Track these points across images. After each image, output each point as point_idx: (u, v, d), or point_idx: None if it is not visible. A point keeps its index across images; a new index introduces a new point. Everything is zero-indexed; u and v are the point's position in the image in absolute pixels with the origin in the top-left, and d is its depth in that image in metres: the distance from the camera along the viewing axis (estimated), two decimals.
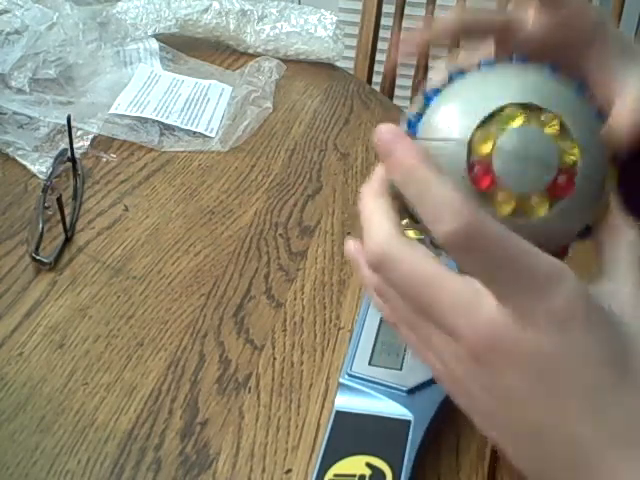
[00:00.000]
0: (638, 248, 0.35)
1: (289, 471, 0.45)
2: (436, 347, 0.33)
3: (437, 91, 0.37)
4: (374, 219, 0.34)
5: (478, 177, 0.34)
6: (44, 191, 0.64)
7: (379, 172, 0.36)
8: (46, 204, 0.63)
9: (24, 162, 0.70)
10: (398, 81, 1.29)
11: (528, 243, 0.30)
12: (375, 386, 0.45)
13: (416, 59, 1.26)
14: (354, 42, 1.24)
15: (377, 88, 1.13)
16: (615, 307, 0.33)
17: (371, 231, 0.33)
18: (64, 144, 0.71)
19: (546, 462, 0.33)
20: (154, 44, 0.91)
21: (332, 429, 0.44)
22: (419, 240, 0.33)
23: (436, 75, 0.37)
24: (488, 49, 0.42)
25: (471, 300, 0.31)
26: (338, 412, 0.45)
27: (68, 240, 0.61)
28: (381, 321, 0.49)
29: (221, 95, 0.84)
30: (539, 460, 0.33)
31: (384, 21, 1.25)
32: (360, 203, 0.35)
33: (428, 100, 0.37)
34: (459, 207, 0.29)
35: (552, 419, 0.32)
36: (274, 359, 0.52)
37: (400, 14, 1.25)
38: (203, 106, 0.81)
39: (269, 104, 0.83)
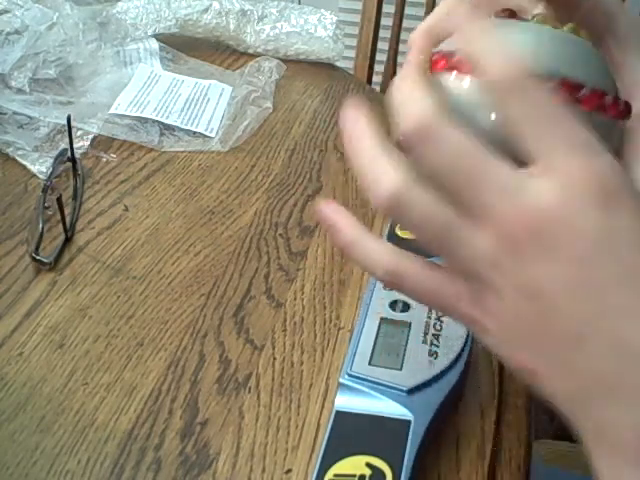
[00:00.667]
0: None
1: (289, 471, 0.45)
2: (462, 241, 0.31)
3: None
4: (416, 94, 0.31)
5: None
6: (44, 191, 0.64)
7: (412, 63, 0.34)
8: (46, 204, 0.63)
9: (24, 162, 0.70)
10: None
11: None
12: (375, 386, 0.45)
13: None
14: (354, 42, 1.24)
15: (377, 88, 1.13)
16: None
17: (414, 104, 0.31)
18: (64, 144, 0.71)
19: (586, 377, 0.30)
20: (154, 44, 0.91)
21: (332, 429, 0.44)
22: None
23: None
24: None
25: (518, 183, 0.29)
26: (338, 412, 0.45)
27: (68, 240, 0.61)
28: (381, 321, 0.49)
29: (221, 95, 0.84)
30: (578, 375, 0.30)
31: (384, 21, 1.25)
32: (395, 87, 0.33)
33: None
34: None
35: (597, 318, 0.29)
36: (274, 359, 0.52)
37: (400, 14, 1.25)
38: (203, 106, 0.81)
39: (269, 104, 0.83)
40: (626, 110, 0.33)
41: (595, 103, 0.31)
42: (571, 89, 0.31)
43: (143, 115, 0.78)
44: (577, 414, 0.30)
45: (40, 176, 0.69)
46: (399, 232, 0.54)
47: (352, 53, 1.24)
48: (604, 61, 0.34)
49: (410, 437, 0.43)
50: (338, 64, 0.96)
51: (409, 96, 0.31)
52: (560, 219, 0.28)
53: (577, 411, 0.30)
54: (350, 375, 0.46)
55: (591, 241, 0.28)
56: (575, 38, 0.34)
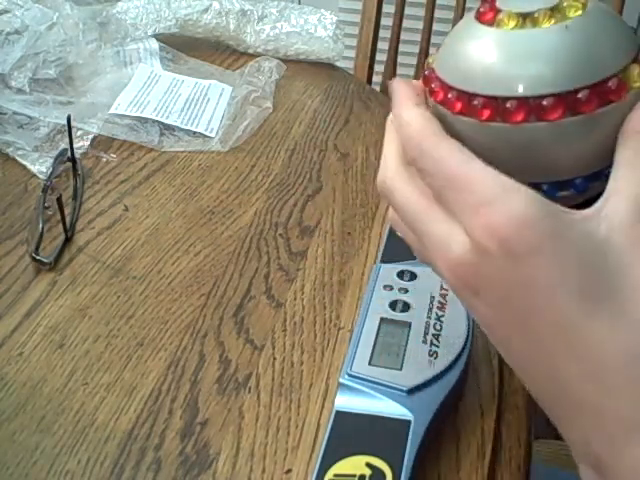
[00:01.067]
0: None
1: (289, 471, 0.45)
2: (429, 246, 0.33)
3: None
4: (385, 150, 0.36)
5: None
6: (44, 191, 0.64)
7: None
8: (46, 204, 0.63)
9: (24, 162, 0.70)
10: None
11: (480, 161, 0.31)
12: (375, 386, 0.45)
13: (416, 58, 1.26)
14: (354, 42, 1.24)
15: (377, 88, 1.13)
16: (607, 225, 0.30)
17: (382, 161, 0.36)
18: (64, 144, 0.71)
19: (537, 394, 0.32)
20: (154, 44, 0.91)
21: (332, 429, 0.44)
22: None
23: None
24: None
25: (447, 238, 0.32)
26: (338, 412, 0.45)
27: (68, 240, 0.61)
28: (381, 321, 0.49)
29: (221, 95, 0.84)
30: (532, 389, 0.33)
31: (384, 21, 1.25)
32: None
33: None
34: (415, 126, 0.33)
35: (530, 353, 0.31)
36: (274, 359, 0.52)
37: (400, 14, 1.25)
38: (203, 106, 0.81)
39: (269, 104, 0.83)
40: (603, 98, 0.31)
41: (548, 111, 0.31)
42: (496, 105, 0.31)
43: (143, 115, 0.78)
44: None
45: (40, 176, 0.69)
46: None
47: (352, 53, 1.24)
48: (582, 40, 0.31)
49: (410, 437, 0.43)
50: (338, 64, 0.96)
51: (383, 151, 0.36)
52: (475, 271, 0.31)
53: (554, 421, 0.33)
54: (350, 375, 0.46)
55: (508, 287, 0.30)
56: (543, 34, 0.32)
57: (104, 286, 0.57)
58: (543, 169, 0.32)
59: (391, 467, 0.42)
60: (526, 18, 0.32)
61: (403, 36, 1.26)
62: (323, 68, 0.94)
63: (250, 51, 0.95)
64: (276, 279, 0.59)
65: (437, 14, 1.24)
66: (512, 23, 0.32)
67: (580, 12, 0.32)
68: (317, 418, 0.48)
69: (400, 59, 1.27)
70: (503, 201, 0.29)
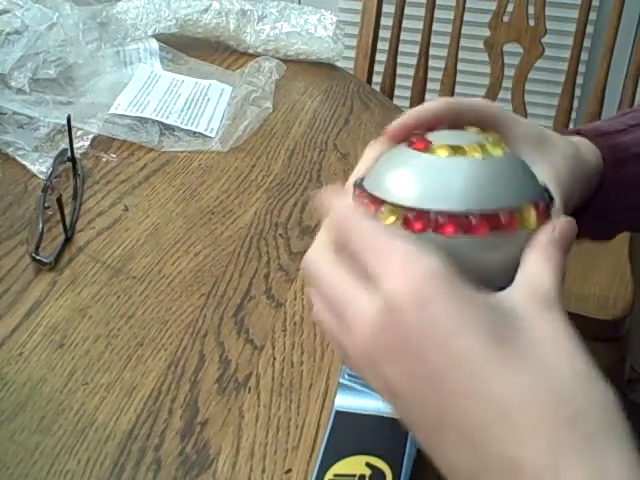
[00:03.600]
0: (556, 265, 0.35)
1: (289, 471, 0.45)
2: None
3: None
4: (317, 236, 0.39)
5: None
6: (44, 191, 0.64)
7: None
8: (46, 204, 0.63)
9: (24, 162, 0.71)
10: (398, 81, 1.29)
11: (394, 230, 0.35)
12: None
13: (413, 71, 1.26)
14: (354, 42, 1.24)
15: (377, 88, 1.13)
16: (509, 300, 0.33)
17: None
18: (64, 144, 0.71)
19: (450, 466, 0.33)
20: (154, 44, 0.91)
21: (332, 429, 0.44)
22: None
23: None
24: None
25: (358, 312, 0.34)
26: (338, 412, 0.45)
27: (68, 240, 0.61)
28: None
29: (221, 95, 0.84)
30: (444, 464, 0.33)
31: (384, 21, 1.25)
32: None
33: None
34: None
35: (444, 406, 0.32)
36: (274, 359, 0.52)
37: (400, 14, 1.25)
38: (203, 106, 0.81)
39: (269, 104, 0.83)
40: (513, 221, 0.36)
41: (457, 228, 0.35)
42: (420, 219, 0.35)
43: (143, 115, 0.78)
44: None
45: (40, 176, 0.69)
46: None
47: (352, 53, 1.24)
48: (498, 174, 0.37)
49: (410, 437, 0.43)
50: (338, 64, 0.96)
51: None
52: (389, 332, 0.32)
53: None
54: (350, 375, 0.46)
55: (418, 338, 0.32)
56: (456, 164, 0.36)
57: (104, 286, 0.57)
58: (467, 276, 0.34)
59: (391, 467, 0.42)
60: (456, 150, 0.37)
61: (403, 36, 1.26)
62: (323, 68, 0.94)
63: (250, 51, 0.95)
64: (276, 279, 0.59)
65: (437, 14, 1.24)
66: (443, 152, 0.37)
67: (500, 153, 0.37)
68: (317, 418, 0.48)
69: (400, 59, 1.27)
70: (417, 261, 0.32)
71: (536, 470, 0.29)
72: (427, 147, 0.37)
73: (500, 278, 0.35)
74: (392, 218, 0.36)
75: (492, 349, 0.31)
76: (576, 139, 0.48)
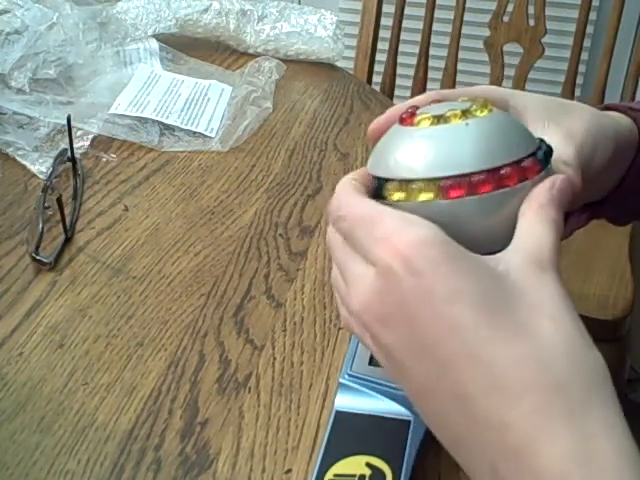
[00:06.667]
0: (553, 229, 0.35)
1: (289, 471, 0.45)
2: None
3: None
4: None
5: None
6: (44, 191, 0.64)
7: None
8: (46, 204, 0.63)
9: (24, 162, 0.71)
10: (398, 81, 1.29)
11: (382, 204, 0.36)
12: (375, 386, 0.45)
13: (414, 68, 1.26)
14: (354, 42, 1.24)
15: (377, 88, 1.13)
16: (504, 265, 0.33)
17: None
18: (64, 144, 0.71)
19: (440, 426, 0.34)
20: (154, 44, 0.91)
21: (332, 429, 0.44)
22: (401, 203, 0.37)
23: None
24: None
25: (359, 274, 0.35)
26: (338, 412, 0.45)
27: (68, 240, 0.61)
28: None
29: (221, 95, 0.84)
30: (433, 425, 0.34)
31: (384, 21, 1.25)
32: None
33: None
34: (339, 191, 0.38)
35: (437, 371, 0.33)
36: (274, 359, 0.52)
37: (400, 14, 1.25)
38: (203, 106, 0.81)
39: (269, 104, 0.83)
40: (520, 174, 0.36)
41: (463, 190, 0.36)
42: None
43: (143, 115, 0.78)
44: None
45: (40, 176, 0.69)
46: None
47: (352, 53, 1.24)
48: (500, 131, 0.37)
49: (410, 437, 0.43)
50: (338, 64, 0.96)
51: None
52: (383, 298, 0.34)
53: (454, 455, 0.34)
54: (350, 375, 0.46)
55: (411, 305, 0.33)
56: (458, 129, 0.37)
57: (104, 286, 0.57)
58: (464, 243, 0.35)
59: (391, 467, 0.42)
60: (439, 118, 0.38)
61: (403, 36, 1.26)
62: (323, 68, 0.94)
63: (250, 51, 0.95)
64: (276, 279, 0.59)
65: (437, 14, 1.24)
66: (427, 122, 0.38)
67: (485, 113, 0.37)
68: (317, 418, 0.48)
69: (400, 59, 1.28)
70: (406, 230, 0.33)
71: (521, 433, 0.30)
72: (412, 121, 0.38)
73: (504, 237, 0.36)
74: (399, 194, 0.37)
75: (484, 317, 0.32)
76: (608, 113, 0.46)
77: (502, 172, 0.36)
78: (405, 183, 0.37)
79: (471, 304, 0.32)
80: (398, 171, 0.37)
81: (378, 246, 0.34)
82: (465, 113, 0.37)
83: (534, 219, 0.35)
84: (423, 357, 0.33)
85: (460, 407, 0.32)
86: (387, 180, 0.38)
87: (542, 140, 0.39)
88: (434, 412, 0.34)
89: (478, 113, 0.37)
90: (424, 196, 0.36)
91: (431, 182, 0.36)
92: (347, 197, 0.37)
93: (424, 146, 0.37)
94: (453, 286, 0.32)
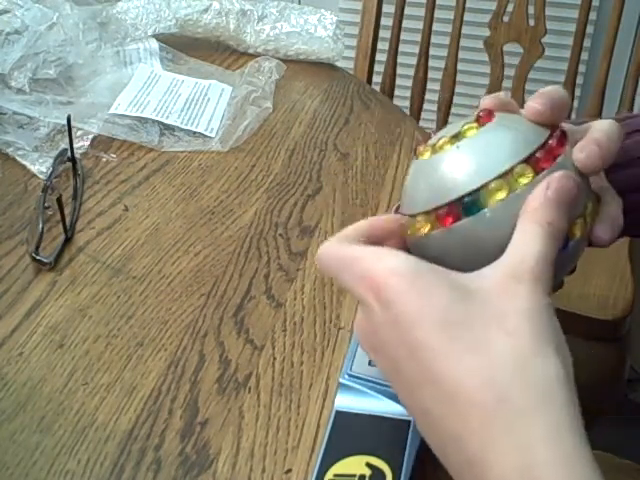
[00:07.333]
0: (543, 245, 0.35)
1: (289, 471, 0.45)
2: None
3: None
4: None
5: None
6: (44, 191, 0.64)
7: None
8: (46, 204, 0.63)
9: (24, 162, 0.70)
10: (398, 81, 1.29)
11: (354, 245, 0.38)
12: (375, 386, 0.45)
13: (416, 58, 1.26)
14: (354, 42, 1.24)
15: (377, 88, 1.13)
16: (480, 281, 0.34)
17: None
18: (64, 144, 0.71)
19: (422, 423, 0.35)
20: (154, 44, 0.91)
21: (332, 429, 0.44)
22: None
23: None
24: None
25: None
26: (338, 412, 0.45)
27: (68, 240, 0.61)
28: None
29: (221, 95, 0.84)
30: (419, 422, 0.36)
31: (384, 21, 1.25)
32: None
33: None
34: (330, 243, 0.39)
35: (405, 394, 0.36)
36: (274, 359, 0.52)
37: (400, 14, 1.25)
38: (203, 106, 0.81)
39: (269, 104, 0.83)
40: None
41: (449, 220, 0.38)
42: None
43: (143, 115, 0.78)
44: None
45: (40, 176, 0.69)
46: None
47: (352, 53, 1.24)
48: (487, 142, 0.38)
49: (410, 437, 0.43)
50: (338, 64, 0.96)
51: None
52: (367, 330, 0.37)
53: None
54: (350, 375, 0.46)
55: (384, 334, 0.35)
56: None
57: (104, 286, 0.57)
58: (474, 263, 0.36)
59: (391, 467, 0.42)
60: (433, 147, 0.39)
61: (403, 36, 1.26)
62: (323, 68, 0.94)
63: (250, 51, 0.95)
64: (276, 279, 0.59)
65: (437, 14, 1.24)
66: (427, 153, 0.39)
67: (474, 132, 0.38)
68: (317, 418, 0.48)
69: (400, 59, 1.28)
70: (375, 264, 0.35)
71: (473, 447, 0.32)
72: (417, 152, 0.40)
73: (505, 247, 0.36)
74: (427, 227, 0.39)
75: (441, 335, 0.33)
76: None
77: (504, 180, 0.36)
78: (412, 217, 0.40)
79: (431, 325, 0.33)
80: (410, 208, 0.40)
81: (357, 284, 0.36)
82: (456, 136, 0.38)
83: (524, 228, 0.35)
84: (397, 380, 0.36)
85: (426, 421, 0.35)
86: (410, 216, 0.40)
87: (551, 133, 0.38)
88: (417, 424, 0.36)
89: (467, 133, 0.38)
90: (425, 228, 0.39)
91: (429, 214, 0.38)
92: (327, 247, 0.39)
93: (421, 178, 0.39)
94: (415, 311, 0.34)
